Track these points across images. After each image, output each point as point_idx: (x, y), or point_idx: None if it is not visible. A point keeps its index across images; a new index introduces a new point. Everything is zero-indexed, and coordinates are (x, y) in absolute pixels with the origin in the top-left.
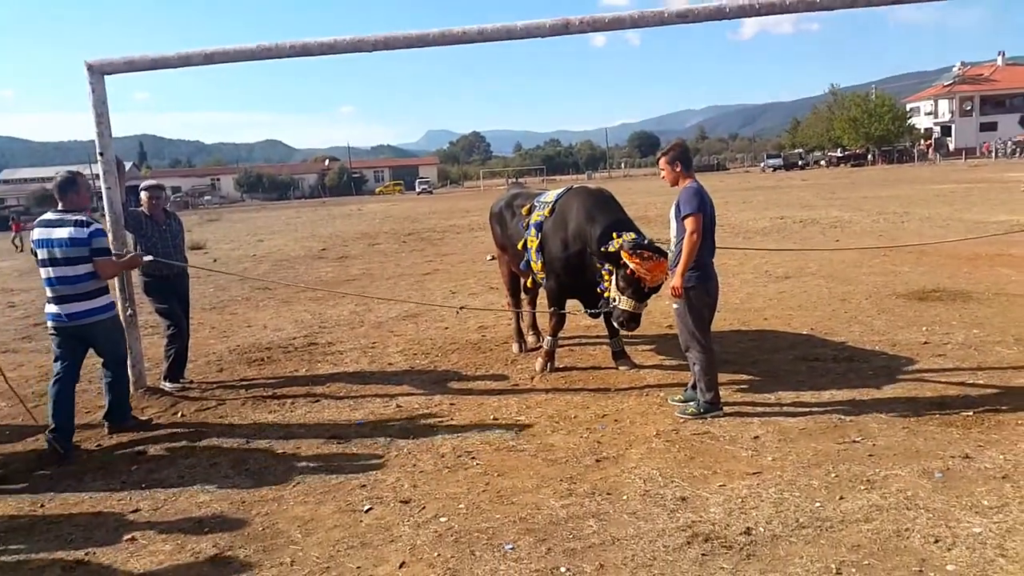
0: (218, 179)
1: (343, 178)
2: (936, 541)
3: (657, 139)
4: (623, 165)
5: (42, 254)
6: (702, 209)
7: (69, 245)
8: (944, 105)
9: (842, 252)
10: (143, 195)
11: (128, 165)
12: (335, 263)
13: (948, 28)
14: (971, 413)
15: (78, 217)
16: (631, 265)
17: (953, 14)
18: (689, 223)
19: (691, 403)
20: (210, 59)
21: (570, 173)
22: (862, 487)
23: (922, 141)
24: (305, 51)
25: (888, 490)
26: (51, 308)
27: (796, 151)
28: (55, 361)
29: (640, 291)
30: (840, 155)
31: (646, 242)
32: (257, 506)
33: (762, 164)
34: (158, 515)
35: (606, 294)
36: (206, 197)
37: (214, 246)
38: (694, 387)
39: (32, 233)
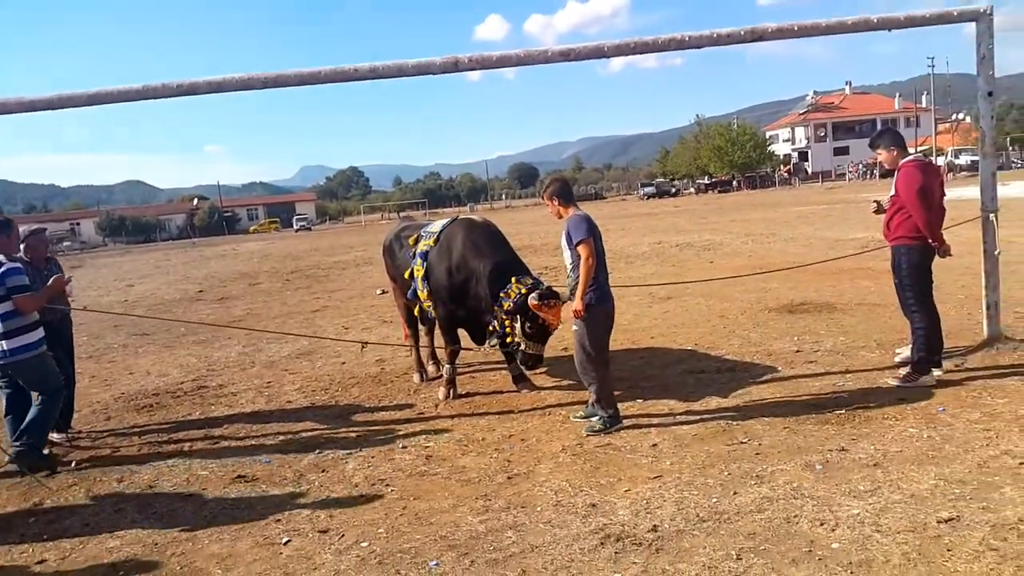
0: (77, 223)
1: (214, 217)
2: (821, 524)
3: (536, 170)
4: (504, 196)
5: None
6: (591, 234)
7: None
8: (800, 132)
9: (718, 273)
10: (26, 242)
11: None
12: (215, 304)
13: (801, 59)
14: (843, 411)
15: None
16: (540, 315)
17: (805, 47)
18: (582, 250)
19: (595, 419)
20: (93, 100)
21: (452, 205)
22: (753, 482)
23: (782, 167)
24: (193, 90)
25: (776, 483)
26: None
27: (667, 179)
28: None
29: (546, 335)
30: (708, 182)
31: (546, 288)
32: (171, 547)
33: (638, 192)
34: (67, 564)
35: (508, 339)
36: (66, 243)
37: (81, 293)
38: (595, 403)
39: None
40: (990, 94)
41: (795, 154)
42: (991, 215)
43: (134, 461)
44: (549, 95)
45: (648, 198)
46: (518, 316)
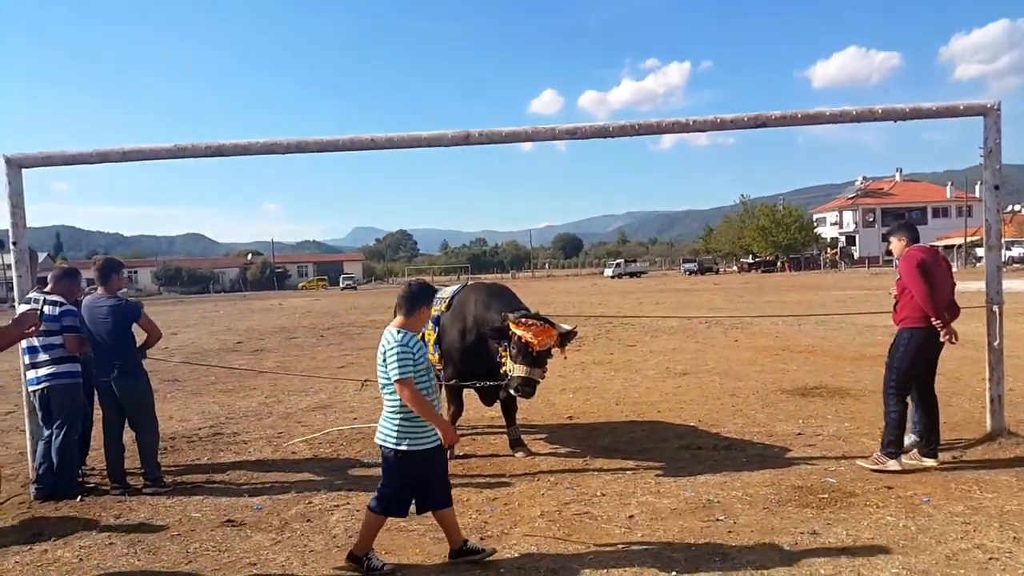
0: (135, 271)
1: (266, 272)
2: None
3: (581, 241)
4: (547, 265)
5: None
6: None
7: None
8: (849, 216)
9: (740, 351)
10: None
11: (42, 256)
12: (250, 356)
13: (854, 144)
14: (827, 495)
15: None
16: (518, 332)
17: (857, 133)
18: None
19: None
20: (127, 156)
21: (495, 272)
22: (717, 559)
23: (828, 250)
24: (220, 152)
25: (739, 561)
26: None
27: (708, 256)
28: None
29: (530, 356)
30: (751, 261)
31: (532, 312)
32: None
33: (682, 268)
34: None
35: (503, 369)
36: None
37: None
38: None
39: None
40: (996, 187)
41: (842, 238)
42: (995, 307)
43: (134, 499)
44: (599, 168)
45: (689, 274)
46: (503, 340)
